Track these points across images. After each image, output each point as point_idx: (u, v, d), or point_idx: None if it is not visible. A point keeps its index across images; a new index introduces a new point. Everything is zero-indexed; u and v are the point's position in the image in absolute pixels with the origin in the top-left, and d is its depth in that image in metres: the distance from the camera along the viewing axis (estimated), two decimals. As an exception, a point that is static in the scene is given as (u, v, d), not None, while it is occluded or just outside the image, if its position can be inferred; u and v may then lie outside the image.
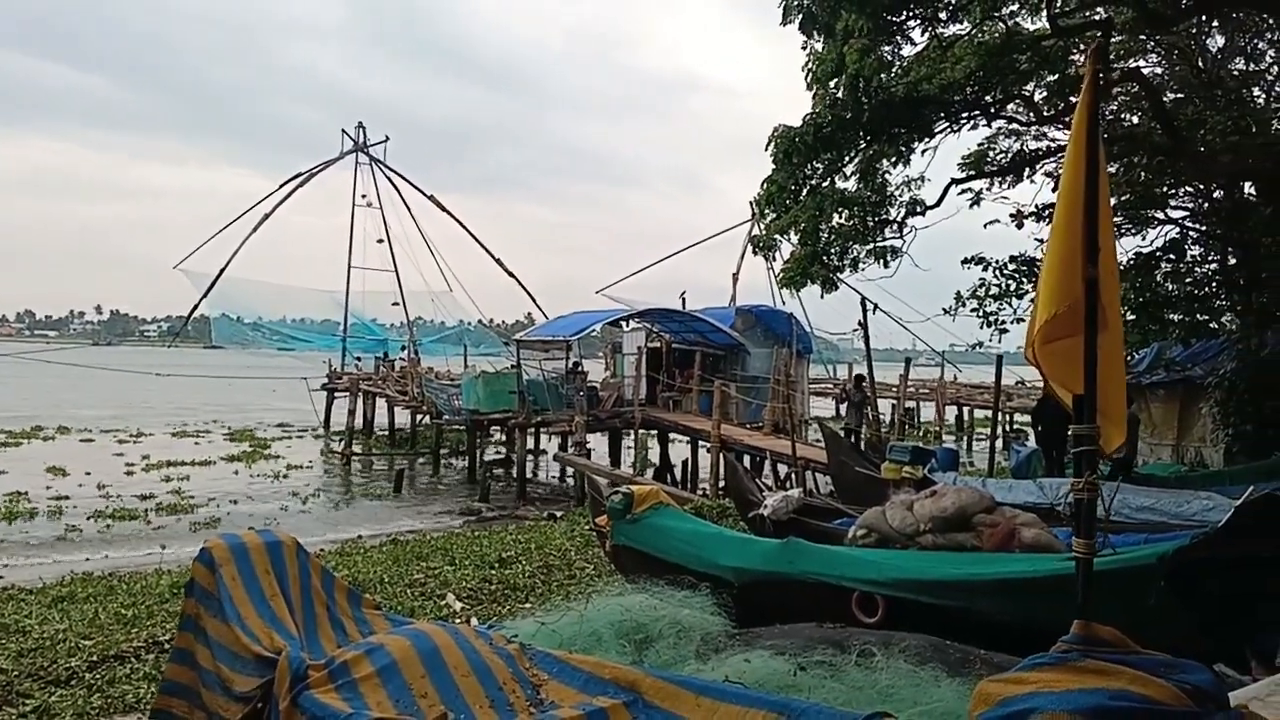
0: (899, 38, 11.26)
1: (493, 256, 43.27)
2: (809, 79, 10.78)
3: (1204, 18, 14.82)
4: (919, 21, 11.07)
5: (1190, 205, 16.83)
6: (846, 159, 12.59)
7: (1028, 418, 23.93)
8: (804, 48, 10.26)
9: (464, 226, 43.66)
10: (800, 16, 9.94)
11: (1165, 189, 15.86)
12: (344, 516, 19.11)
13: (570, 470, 22.16)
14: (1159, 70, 17.15)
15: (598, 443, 27.20)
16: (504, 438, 26.88)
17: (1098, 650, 2.16)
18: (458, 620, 9.22)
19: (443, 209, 43.49)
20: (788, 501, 8.91)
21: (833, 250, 13.70)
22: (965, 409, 41.20)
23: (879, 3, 9.28)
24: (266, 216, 40.88)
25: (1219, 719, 1.78)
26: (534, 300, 43.24)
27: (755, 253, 12.95)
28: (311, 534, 16.16)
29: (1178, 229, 15.89)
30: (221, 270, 39.45)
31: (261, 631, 3.97)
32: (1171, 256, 14.66)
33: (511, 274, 42.96)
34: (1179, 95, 16.48)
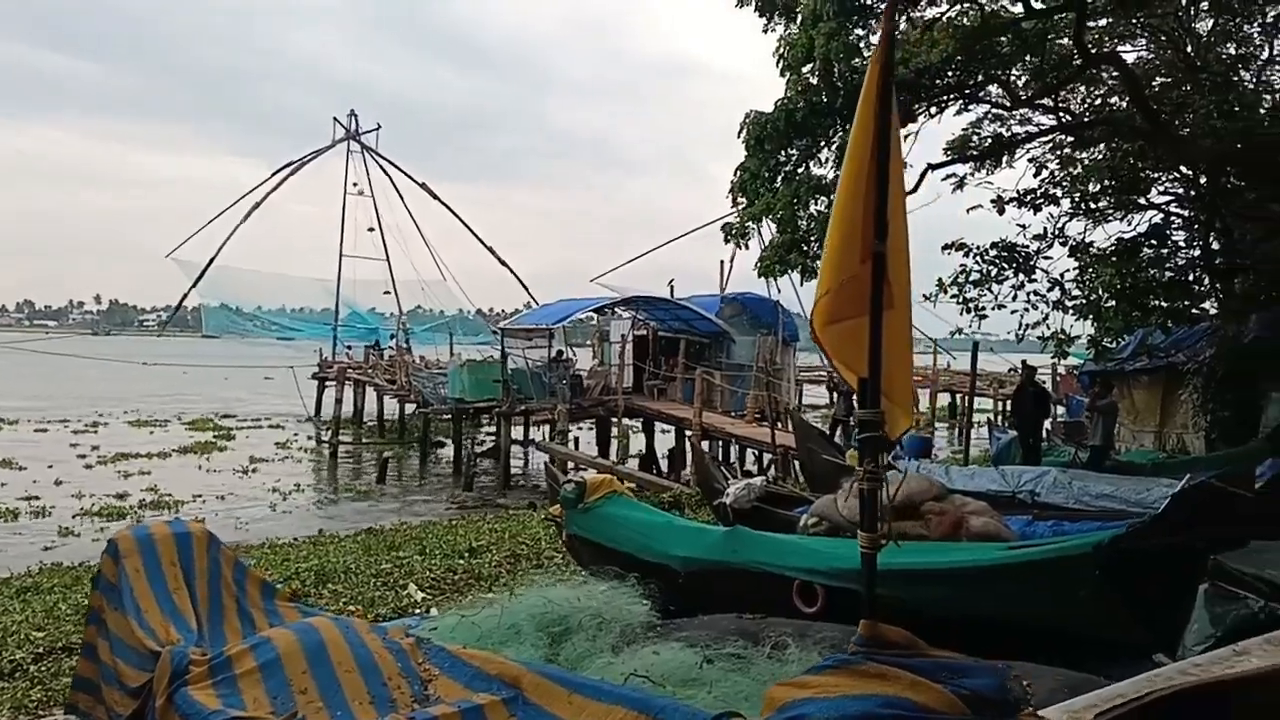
0: (872, 21, 11.06)
1: (485, 245, 43.19)
2: (780, 64, 10.61)
3: (1186, 1, 14.65)
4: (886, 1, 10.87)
5: (1179, 190, 16.67)
6: (822, 145, 12.42)
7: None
8: (765, 30, 10.08)
9: (456, 215, 43.58)
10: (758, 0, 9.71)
11: (1149, 174, 15.70)
12: (325, 508, 18.96)
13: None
14: (1147, 54, 16.92)
15: (588, 432, 27.15)
16: (495, 427, 26.73)
17: (882, 653, 2.04)
18: (418, 610, 9.15)
19: (435, 197, 43.40)
20: (750, 489, 8.81)
21: (812, 238, 13.55)
22: (959, 396, 41.00)
23: (842, -17, 9.13)
24: (257, 205, 40.78)
25: (997, 727, 1.68)
26: (526, 288, 43.16)
27: (727, 240, 12.75)
28: (291, 526, 16.05)
29: (1162, 214, 15.73)
30: (211, 259, 39.40)
31: (159, 625, 3.89)
32: (1154, 242, 14.50)
33: (504, 262, 42.88)
34: (1166, 80, 16.28)
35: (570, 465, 20.55)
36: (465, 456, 23.13)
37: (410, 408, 29.78)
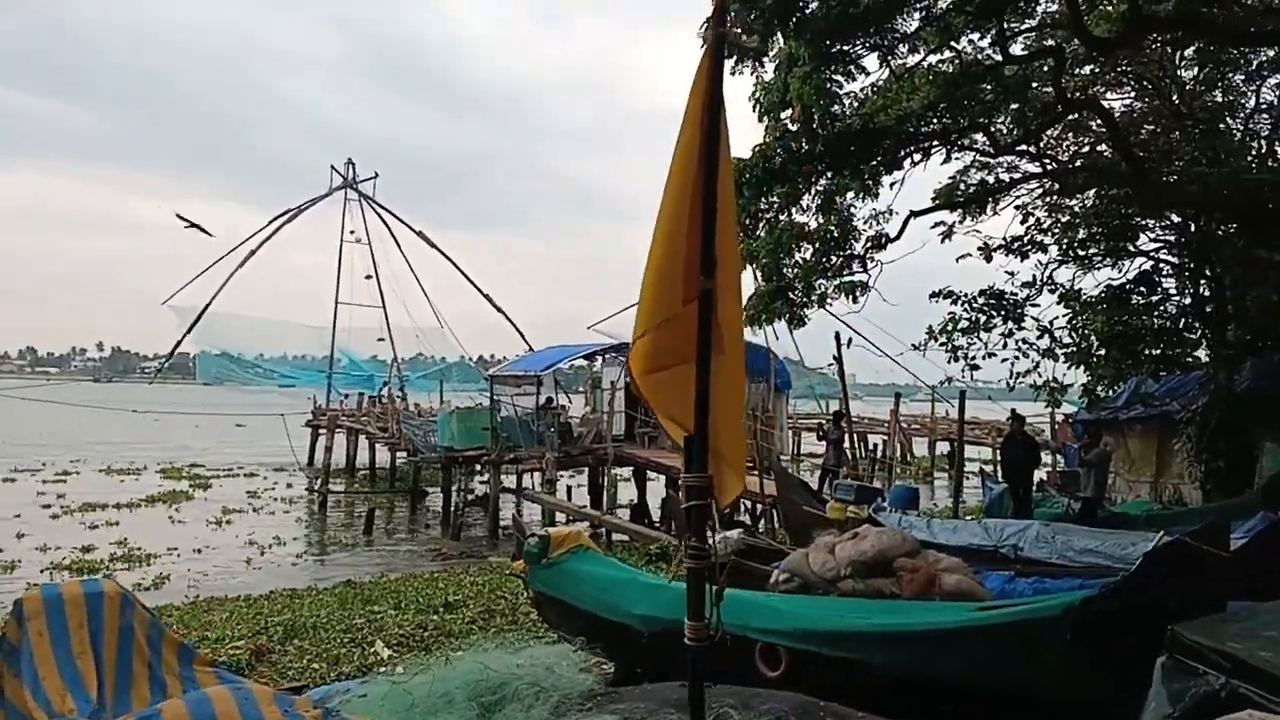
0: (852, 67, 11.00)
1: (481, 293, 43.20)
2: (757, 110, 10.53)
3: (1171, 50, 14.68)
4: (869, 50, 10.82)
5: (1169, 237, 16.60)
6: (804, 192, 12.31)
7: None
8: (732, 73, 9.99)
9: (453, 263, 43.64)
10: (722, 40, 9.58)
11: (1137, 221, 15.62)
12: (305, 559, 18.51)
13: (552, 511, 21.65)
14: (1135, 102, 16.97)
15: (580, 481, 26.73)
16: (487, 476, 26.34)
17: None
18: (382, 670, 8.84)
19: (432, 245, 43.52)
20: (726, 542, 8.52)
21: (798, 286, 13.40)
22: (955, 445, 40.57)
23: (818, 29, 9.04)
24: (253, 253, 40.88)
25: None
26: (522, 336, 43.07)
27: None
28: (269, 579, 15.67)
29: (1151, 261, 15.63)
30: (205, 307, 39.33)
31: (56, 693, 3.64)
32: (1143, 289, 14.36)
33: (500, 309, 42.87)
34: (1153, 128, 16.29)
35: (560, 516, 20.26)
36: (454, 506, 22.81)
37: (402, 456, 29.48)
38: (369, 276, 43.57)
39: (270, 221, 42.63)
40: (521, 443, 21.77)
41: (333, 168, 44.58)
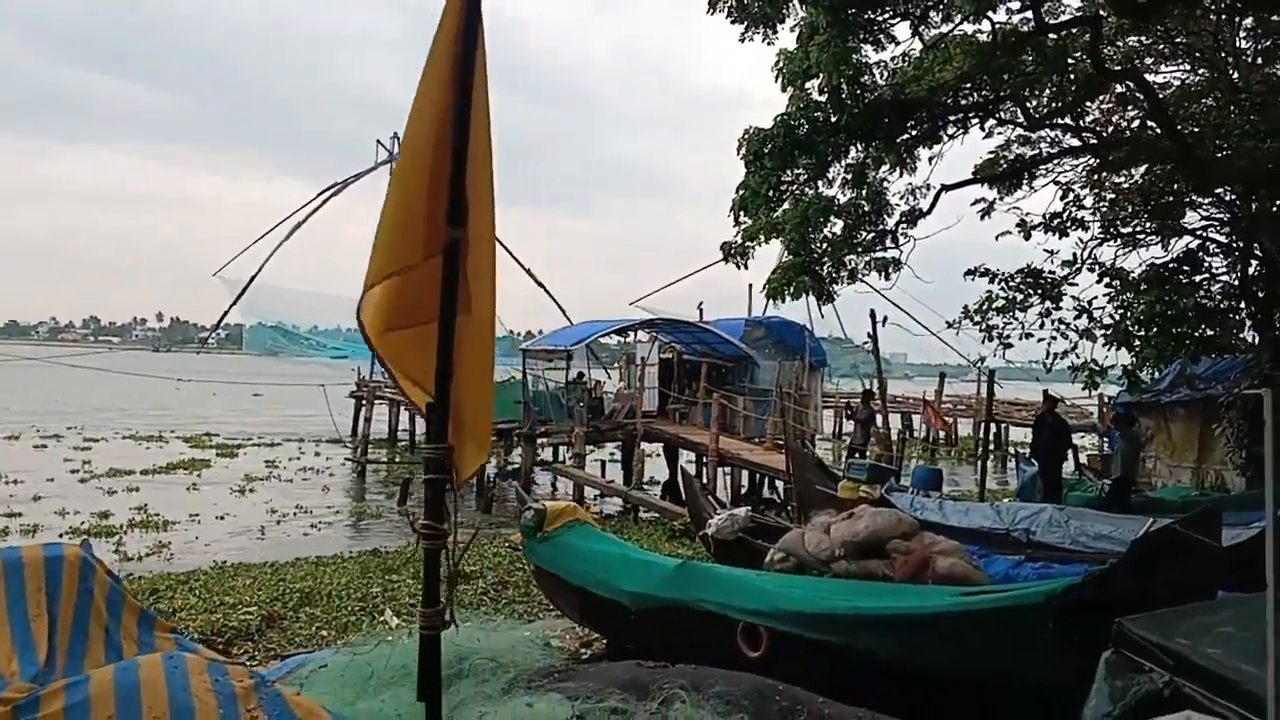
0: (881, 35, 10.68)
1: (521, 265, 43.11)
2: (780, 79, 10.25)
3: (1225, 17, 14.07)
4: (899, 18, 10.47)
5: (1220, 215, 15.96)
6: (831, 164, 12.02)
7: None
8: (741, 40, 9.70)
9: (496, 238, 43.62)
10: (730, 5, 9.33)
11: (1187, 198, 15.02)
12: (331, 528, 18.61)
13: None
14: (1189, 76, 16.33)
15: (614, 455, 26.73)
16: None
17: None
18: (389, 637, 8.89)
19: (473, 219, 43.54)
20: (733, 520, 8.43)
21: (825, 261, 13.14)
22: (1003, 426, 39.72)
23: (833, -4, 8.73)
24: (299, 225, 41.23)
25: None
26: (562, 310, 42.99)
27: (726, 260, 12.38)
28: (295, 546, 15.84)
29: (1198, 240, 15.03)
30: (251, 279, 39.84)
31: (3, 655, 3.65)
32: (1187, 268, 13.81)
33: (540, 283, 42.82)
34: (1209, 102, 15.65)
35: (590, 491, 20.33)
36: (487, 478, 22.92)
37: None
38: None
39: (316, 195, 43.00)
40: (552, 416, 21.79)
41: (378, 142, 44.69)
